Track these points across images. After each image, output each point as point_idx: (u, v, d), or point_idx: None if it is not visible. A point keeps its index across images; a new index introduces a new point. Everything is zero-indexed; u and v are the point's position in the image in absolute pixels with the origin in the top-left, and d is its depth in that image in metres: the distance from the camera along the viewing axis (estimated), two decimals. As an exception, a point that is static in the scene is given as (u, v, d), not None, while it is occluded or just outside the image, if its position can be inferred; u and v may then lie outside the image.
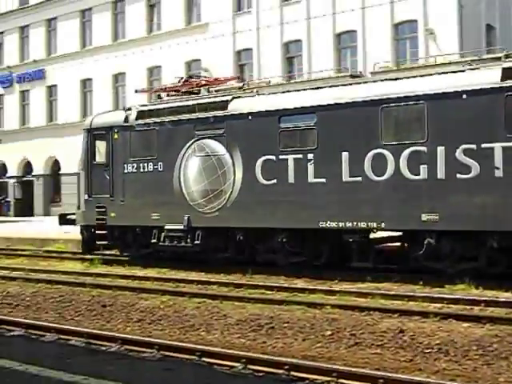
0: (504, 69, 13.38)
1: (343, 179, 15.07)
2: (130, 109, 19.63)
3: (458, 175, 13.63)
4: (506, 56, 14.07)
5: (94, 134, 19.97)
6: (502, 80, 13.22)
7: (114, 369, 6.38)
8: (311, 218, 15.41)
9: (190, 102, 18.16)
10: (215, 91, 18.84)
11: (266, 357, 8.51)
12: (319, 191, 15.40)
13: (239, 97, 17.35)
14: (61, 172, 47.75)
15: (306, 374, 7.81)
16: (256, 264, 16.60)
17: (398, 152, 14.35)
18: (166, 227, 17.83)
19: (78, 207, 20.72)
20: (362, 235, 15.15)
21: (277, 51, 36.16)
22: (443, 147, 13.83)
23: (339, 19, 33.47)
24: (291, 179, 15.87)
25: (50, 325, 10.91)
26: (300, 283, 14.57)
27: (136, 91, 24.24)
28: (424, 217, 14.00)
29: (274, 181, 16.14)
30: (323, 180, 15.39)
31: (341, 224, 15.02)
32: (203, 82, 20.39)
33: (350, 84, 15.79)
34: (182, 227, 17.55)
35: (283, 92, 16.80)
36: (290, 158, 15.93)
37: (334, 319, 10.59)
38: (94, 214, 19.50)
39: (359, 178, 14.84)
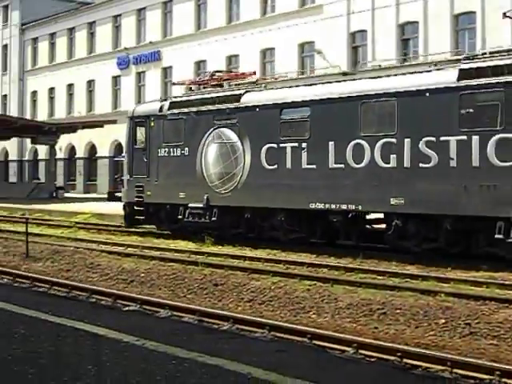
0: (460, 70, 15.20)
1: (329, 166, 17.30)
2: (165, 99, 22.83)
3: (421, 164, 15.56)
4: (465, 58, 15.85)
5: (135, 122, 22.78)
6: (458, 80, 15.08)
7: (229, 347, 6.41)
8: (304, 199, 17.67)
9: (211, 95, 20.84)
10: (235, 85, 21.06)
11: (378, 342, 8.42)
12: (310, 176, 17.70)
13: (251, 91, 19.82)
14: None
15: (420, 361, 7.68)
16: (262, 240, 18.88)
17: (374, 143, 16.37)
18: (190, 205, 20.39)
19: (123, 186, 23.52)
20: (344, 216, 17.10)
21: (392, 33, 35.47)
22: (409, 139, 15.77)
23: (457, 0, 32.53)
24: (288, 165, 18.26)
25: (164, 301, 11.16)
26: (412, 269, 14.33)
27: (173, 84, 25.31)
28: (392, 201, 15.95)
29: (275, 166, 18.56)
30: (314, 166, 17.69)
31: (327, 206, 17.27)
32: (225, 77, 22.55)
33: (338, 81, 17.97)
34: (202, 205, 20.07)
35: (285, 87, 19.32)
36: (288, 146, 18.27)
37: (448, 307, 10.33)
38: (133, 193, 22.23)
39: (342, 165, 17.02)
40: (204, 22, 47.09)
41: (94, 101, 56.21)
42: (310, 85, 18.57)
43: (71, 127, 46.17)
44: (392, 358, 7.80)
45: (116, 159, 53.53)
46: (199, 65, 47.40)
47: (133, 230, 22.51)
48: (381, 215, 17.30)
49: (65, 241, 19.99)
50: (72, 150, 57.88)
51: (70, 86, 58.26)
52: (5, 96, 65.72)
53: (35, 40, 62.68)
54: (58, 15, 58.40)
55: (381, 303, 10.74)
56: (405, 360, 7.72)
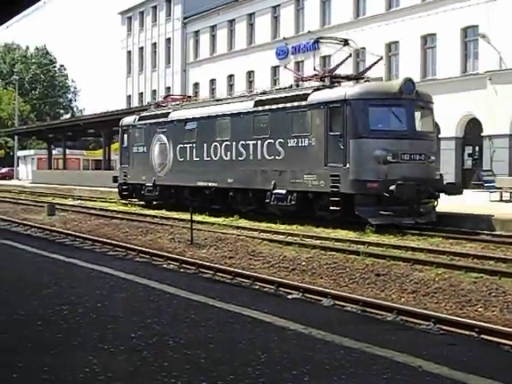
0: (255, 101, 24.52)
1: (204, 158, 26.84)
2: (138, 114, 33.38)
3: (239, 158, 24.78)
4: (261, 93, 26.01)
5: (122, 129, 33.65)
6: (254, 107, 24.31)
7: (397, 339, 6.31)
8: (194, 179, 27.20)
9: (155, 113, 31.69)
10: (170, 105, 31.84)
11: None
12: (196, 165, 27.32)
13: (175, 110, 29.91)
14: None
15: None
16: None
17: (221, 144, 25.76)
18: (146, 184, 30.61)
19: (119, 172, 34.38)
20: (212, 189, 26.43)
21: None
22: (235, 142, 24.97)
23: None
24: (188, 158, 27.96)
25: (327, 290, 11.12)
26: None
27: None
28: (228, 180, 25.22)
29: (182, 159, 28.32)
30: (198, 159, 27.28)
31: (204, 183, 26.75)
32: (168, 99, 34.71)
33: (208, 106, 28.29)
34: (151, 184, 30.30)
35: (192, 108, 29.18)
36: (188, 146, 27.97)
37: None
38: (122, 176, 33.18)
39: (209, 158, 26.51)
40: (363, 9, 46.57)
41: (253, 91, 57.05)
42: (197, 107, 28.90)
43: (232, 117, 47.14)
44: None
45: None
46: (358, 53, 47.00)
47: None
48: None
49: (227, 228, 20.43)
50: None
51: (231, 77, 59.48)
52: (168, 88, 68.03)
53: (197, 33, 64.43)
54: (219, 8, 59.75)
55: (554, 298, 10.21)
56: None
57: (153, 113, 31.82)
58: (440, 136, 37.48)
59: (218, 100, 29.39)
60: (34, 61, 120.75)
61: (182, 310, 7.27)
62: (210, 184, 26.29)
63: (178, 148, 28.51)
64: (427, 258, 14.26)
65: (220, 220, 23.00)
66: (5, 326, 6.51)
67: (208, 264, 13.76)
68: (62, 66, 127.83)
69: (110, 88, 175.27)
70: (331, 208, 20.46)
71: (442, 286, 11.40)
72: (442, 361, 5.44)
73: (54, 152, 69.09)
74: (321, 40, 29.38)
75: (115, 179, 34.29)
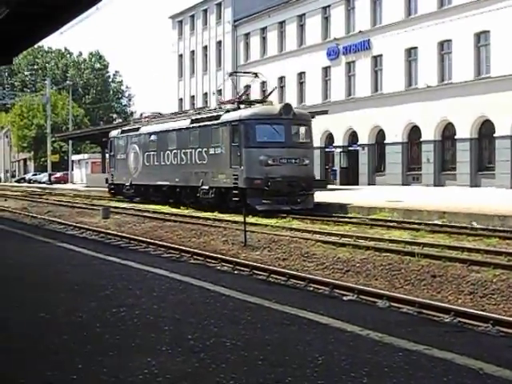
0: (191, 119, 32.17)
1: (161, 163, 34.53)
2: (121, 128, 42.83)
3: (182, 162, 32.40)
4: (197, 113, 33.69)
5: (110, 140, 42.56)
6: (190, 124, 31.75)
7: (455, 341, 6.21)
8: (155, 179, 34.79)
9: (132, 127, 39.91)
10: (143, 121, 39.62)
11: None
12: (156, 168, 34.90)
13: (145, 125, 37.78)
14: (386, 142, 48.26)
15: None
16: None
17: (171, 152, 33.39)
18: (125, 184, 38.50)
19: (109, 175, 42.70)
20: (167, 187, 33.79)
21: None
22: (179, 150, 32.65)
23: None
24: (151, 163, 35.68)
25: (382, 292, 11.03)
26: None
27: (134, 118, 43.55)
28: (175, 179, 32.57)
29: (148, 164, 36.00)
30: (157, 163, 34.88)
31: (161, 182, 34.15)
32: (144, 116, 41.36)
33: (165, 122, 35.85)
34: (129, 184, 38.03)
35: (153, 124, 37.13)
36: (152, 154, 35.65)
37: None
38: (111, 178, 41.28)
39: (164, 163, 34.20)
40: (414, 8, 46.15)
41: (304, 92, 57.01)
42: (158, 123, 36.47)
43: (283, 119, 47.14)
44: None
45: (327, 150, 54.00)
46: (410, 52, 46.57)
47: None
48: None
49: (280, 230, 20.40)
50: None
51: (281, 79, 59.49)
52: (219, 91, 68.39)
53: (247, 35, 64.64)
54: (269, 9, 59.81)
55: None
56: None
57: (130, 127, 40.39)
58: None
59: (170, 118, 36.78)
60: (87, 66, 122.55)
61: (238, 312, 7.27)
62: (165, 183, 33.99)
63: (145, 155, 36.45)
64: (484, 259, 14.02)
65: (273, 222, 22.99)
66: (64, 328, 6.60)
67: (262, 266, 13.77)
68: (116, 71, 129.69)
69: (162, 92, 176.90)
70: (233, 199, 27.40)
71: (500, 288, 11.20)
72: (503, 363, 5.34)
73: (107, 156, 69.94)
74: (235, 74, 41.64)
75: (107, 180, 42.42)
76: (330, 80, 54.18)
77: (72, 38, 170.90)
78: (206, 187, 29.62)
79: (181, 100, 74.07)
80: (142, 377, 5.07)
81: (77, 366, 5.37)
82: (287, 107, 27.97)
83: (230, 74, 38.63)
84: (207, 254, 15.45)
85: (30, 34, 19.95)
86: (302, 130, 28.67)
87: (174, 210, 29.99)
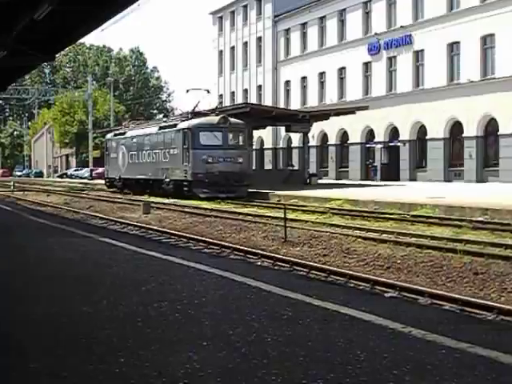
0: (159, 126, 41.34)
1: (141, 161, 42.02)
2: (113, 132, 53.24)
3: (152, 160, 40.13)
4: (164, 121, 44.54)
5: (106, 141, 51.99)
6: (158, 130, 40.52)
7: (499, 339, 6.13)
8: (136, 173, 42.08)
9: (120, 131, 49.52)
10: (130, 125, 49.47)
11: None
12: (137, 164, 42.50)
13: (130, 130, 46.25)
14: (427, 137, 47.83)
15: None
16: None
17: (146, 152, 41.17)
18: (115, 177, 46.69)
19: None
20: (145, 180, 41.10)
21: None
22: (151, 151, 40.52)
23: None
24: (134, 160, 42.97)
25: (424, 289, 10.92)
26: None
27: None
28: (148, 174, 40.36)
29: (132, 161, 43.41)
30: (137, 161, 42.64)
31: (140, 176, 41.42)
32: (131, 122, 52.98)
33: (143, 127, 45.48)
34: (117, 177, 45.85)
35: (135, 129, 46.01)
36: (134, 153, 43.11)
37: None
38: (107, 173, 50.21)
39: (144, 160, 41.36)
40: (457, 2, 45.65)
41: (345, 88, 56.78)
42: (138, 129, 45.47)
43: (324, 115, 46.93)
44: None
45: (368, 145, 53.71)
46: (452, 46, 46.09)
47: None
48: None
49: (320, 226, 20.31)
50: (324, 137, 58.97)
51: (322, 74, 59.34)
52: (259, 86, 68.44)
53: (287, 31, 64.54)
54: (310, 5, 59.64)
55: None
56: None
57: (120, 131, 49.43)
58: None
59: (148, 124, 46.93)
60: (128, 63, 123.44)
61: (278, 308, 7.27)
62: (142, 176, 41.55)
63: (129, 154, 44.11)
64: (529, 257, 13.79)
65: (313, 218, 22.93)
66: (107, 322, 6.66)
67: (302, 262, 13.72)
68: (154, 67, 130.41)
69: (203, 88, 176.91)
70: (184, 189, 35.53)
71: (545, 286, 11.02)
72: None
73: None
74: (190, 90, 44.73)
75: (104, 175, 52.74)
76: (370, 75, 53.87)
77: (112, 35, 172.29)
78: (168, 180, 37.66)
79: (221, 96, 74.26)
80: (184, 371, 5.09)
81: (119, 359, 5.41)
82: (224, 119, 35.93)
83: (187, 91, 43.46)
84: (247, 249, 15.44)
85: (72, 31, 20.15)
86: (237, 136, 36.36)
87: (215, 206, 30.08)
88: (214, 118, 36.30)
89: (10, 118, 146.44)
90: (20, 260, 11.53)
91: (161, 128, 40.27)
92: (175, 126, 38.01)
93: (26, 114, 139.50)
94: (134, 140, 43.81)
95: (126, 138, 45.66)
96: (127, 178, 44.31)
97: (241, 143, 36.43)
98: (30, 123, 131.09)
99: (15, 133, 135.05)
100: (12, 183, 56.52)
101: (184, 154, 35.73)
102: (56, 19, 17.25)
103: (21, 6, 16.40)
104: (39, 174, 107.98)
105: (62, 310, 7.25)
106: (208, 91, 41.18)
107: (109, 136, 50.80)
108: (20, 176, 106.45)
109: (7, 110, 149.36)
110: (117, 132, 50.06)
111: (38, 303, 7.68)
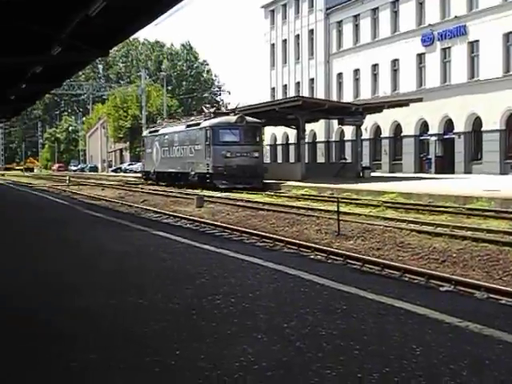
0: (186, 124, 45.60)
1: (172, 156, 46.30)
2: (149, 129, 58.58)
3: (181, 155, 44.70)
4: (190, 120, 47.14)
5: (143, 138, 57.29)
6: (185, 128, 44.96)
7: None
8: (168, 167, 46.86)
9: (155, 129, 54.37)
10: (164, 124, 54.55)
11: None
12: (168, 159, 47.17)
13: (164, 127, 51.11)
14: (483, 129, 47.09)
15: None
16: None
17: (175, 148, 45.93)
18: (150, 170, 51.32)
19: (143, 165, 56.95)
20: (175, 173, 45.50)
21: None
22: (179, 147, 45.04)
23: None
24: (167, 155, 47.35)
25: (480, 283, 10.77)
26: None
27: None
28: (178, 167, 45.01)
29: (165, 155, 47.98)
30: (168, 156, 47.10)
31: (172, 170, 46.26)
32: (165, 120, 60.44)
33: (172, 125, 49.96)
34: (152, 171, 50.52)
35: (169, 126, 50.88)
36: (165, 149, 47.89)
37: None
38: (143, 167, 55.06)
39: (172, 156, 46.40)
40: (513, -9, 44.80)
41: (398, 80, 56.22)
42: (168, 127, 49.92)
43: (377, 107, 46.54)
44: None
45: (421, 138, 53.11)
46: (508, 37, 45.25)
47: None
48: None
49: (373, 219, 20.19)
50: (377, 129, 58.51)
51: (375, 67, 58.86)
52: (312, 79, 68.22)
53: (339, 23, 64.17)
54: (363, -3, 59.22)
55: None
56: None
57: (154, 129, 54.10)
58: None
59: (177, 122, 50.02)
60: (180, 58, 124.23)
61: (333, 301, 7.24)
62: (172, 170, 46.09)
63: (162, 150, 48.62)
64: None
65: (366, 211, 22.80)
66: (162, 315, 6.72)
67: (356, 255, 13.66)
68: (204, 61, 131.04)
69: (254, 81, 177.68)
70: (207, 180, 39.94)
71: None
72: None
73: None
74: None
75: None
76: (424, 67, 53.23)
77: (164, 29, 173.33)
78: (193, 173, 42.16)
79: (273, 89, 74.25)
80: (239, 364, 5.11)
81: (174, 352, 5.46)
82: (241, 118, 40.10)
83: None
84: (301, 242, 15.43)
85: (126, 26, 20.28)
86: (252, 133, 40.63)
87: (268, 200, 30.13)
88: (232, 118, 40.69)
89: (65, 114, 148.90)
90: (76, 253, 11.71)
91: (187, 126, 44.63)
92: (199, 124, 42.35)
93: (81, 110, 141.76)
94: (166, 137, 48.08)
95: (159, 135, 50.00)
96: (160, 171, 48.71)
97: (256, 140, 40.97)
98: (84, 118, 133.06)
99: (70, 128, 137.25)
100: (67, 178, 57.48)
101: (206, 150, 40.29)
102: (110, 14, 17.37)
103: (76, 2, 16.60)
104: (94, 169, 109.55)
105: (119, 303, 7.34)
106: (229, 92, 49.45)
107: (145, 133, 56.28)
108: (75, 171, 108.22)
109: (62, 105, 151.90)
110: (152, 129, 54.57)
111: (95, 295, 7.79)
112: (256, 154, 40.08)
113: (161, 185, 47.27)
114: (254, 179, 38.26)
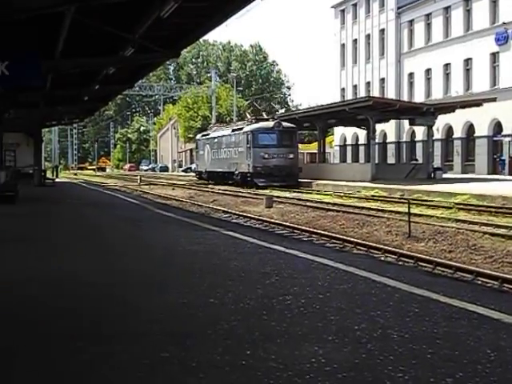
0: (232, 129, 51.13)
1: (221, 157, 51.21)
2: (201, 133, 64.69)
3: (227, 157, 49.97)
4: (236, 125, 52.98)
5: (196, 141, 63.27)
6: (231, 132, 50.39)
7: None
8: (218, 168, 51.75)
9: (207, 133, 59.86)
10: (214, 128, 59.72)
11: None
12: (217, 160, 52.40)
13: (214, 131, 56.75)
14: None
15: None
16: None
17: (223, 150, 51.11)
18: (202, 170, 57.40)
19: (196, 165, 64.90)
20: (223, 173, 50.54)
21: None
22: (226, 149, 50.22)
23: None
24: (216, 157, 52.65)
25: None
26: None
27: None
28: (224, 167, 50.45)
29: (215, 156, 53.00)
30: (217, 157, 52.24)
31: (220, 169, 51.25)
32: (216, 124, 65.98)
33: (220, 130, 55.25)
34: (204, 170, 56.18)
35: (218, 130, 55.88)
36: (215, 151, 53.05)
37: None
38: (197, 167, 61.51)
39: (222, 157, 51.07)
40: None
41: (471, 79, 55.24)
42: (217, 131, 55.24)
43: (449, 107, 45.77)
44: None
45: (495, 139, 52.04)
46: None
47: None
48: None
49: (445, 221, 19.89)
50: (449, 130, 57.59)
51: (447, 66, 57.97)
52: (382, 79, 67.62)
53: (411, 22, 63.41)
54: (435, -5, 58.37)
55: None
56: None
57: (205, 133, 59.75)
58: None
59: (223, 127, 55.87)
60: (249, 58, 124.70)
61: (404, 304, 7.16)
62: (220, 170, 50.89)
63: (212, 152, 53.56)
64: None
65: (438, 213, 22.47)
66: (233, 314, 6.76)
67: (427, 257, 13.48)
68: (274, 61, 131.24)
69: (324, 81, 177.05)
70: (248, 179, 44.22)
71: None
72: None
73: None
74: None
75: (195, 169, 65.89)
76: (498, 66, 52.16)
77: (233, 31, 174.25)
78: (237, 172, 46.77)
79: (343, 89, 73.89)
80: (310, 365, 5.10)
81: (245, 351, 5.48)
82: (278, 123, 45.32)
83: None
84: (371, 244, 15.33)
85: (197, 27, 20.47)
86: (288, 137, 45.28)
87: (337, 200, 29.98)
88: (270, 123, 45.64)
89: (137, 114, 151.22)
90: (148, 252, 11.88)
91: (233, 130, 49.68)
92: (242, 129, 47.33)
93: (152, 110, 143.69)
94: (215, 140, 53.17)
95: (210, 138, 55.40)
96: (210, 171, 54.11)
97: (291, 143, 45.47)
98: (155, 119, 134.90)
99: (141, 128, 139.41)
100: (139, 177, 58.40)
101: (247, 152, 45.08)
102: (181, 16, 17.58)
103: (148, 4, 16.84)
104: (164, 169, 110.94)
105: (190, 301, 7.41)
106: (257, 100, 56.25)
107: (198, 137, 61.58)
108: (146, 170, 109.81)
109: (134, 106, 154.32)
110: (204, 133, 60.73)
111: (168, 293, 7.89)
112: (291, 156, 44.69)
113: (210, 183, 52.16)
114: (288, 178, 42.82)
